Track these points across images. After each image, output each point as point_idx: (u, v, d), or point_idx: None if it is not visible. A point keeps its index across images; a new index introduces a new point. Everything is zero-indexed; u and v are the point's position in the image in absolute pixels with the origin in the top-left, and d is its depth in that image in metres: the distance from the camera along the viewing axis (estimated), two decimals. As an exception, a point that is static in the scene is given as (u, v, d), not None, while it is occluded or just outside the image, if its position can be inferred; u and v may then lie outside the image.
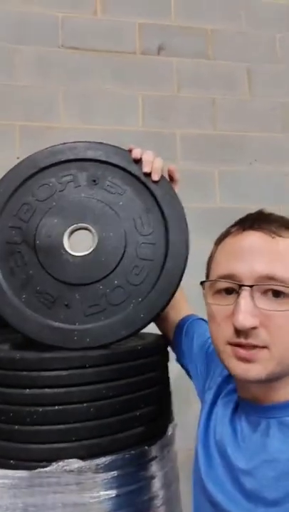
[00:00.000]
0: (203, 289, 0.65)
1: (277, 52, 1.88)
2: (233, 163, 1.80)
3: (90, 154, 0.90)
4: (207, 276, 0.67)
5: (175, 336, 0.91)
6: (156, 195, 0.87)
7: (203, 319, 0.90)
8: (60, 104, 1.70)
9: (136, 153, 0.88)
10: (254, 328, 0.57)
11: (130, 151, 0.89)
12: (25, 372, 0.76)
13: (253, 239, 0.60)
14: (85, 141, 0.91)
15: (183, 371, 0.95)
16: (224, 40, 1.84)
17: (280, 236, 0.60)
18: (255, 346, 0.58)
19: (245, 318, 0.56)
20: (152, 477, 0.81)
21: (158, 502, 0.82)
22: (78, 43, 1.74)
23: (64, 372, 0.76)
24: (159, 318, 0.94)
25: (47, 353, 0.78)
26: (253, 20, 1.87)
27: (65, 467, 0.73)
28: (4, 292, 0.82)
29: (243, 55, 1.85)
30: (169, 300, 0.84)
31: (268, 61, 1.86)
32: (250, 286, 0.58)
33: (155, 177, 0.87)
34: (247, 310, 0.57)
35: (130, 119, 1.74)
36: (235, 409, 0.68)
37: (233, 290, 0.60)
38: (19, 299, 0.82)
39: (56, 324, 0.82)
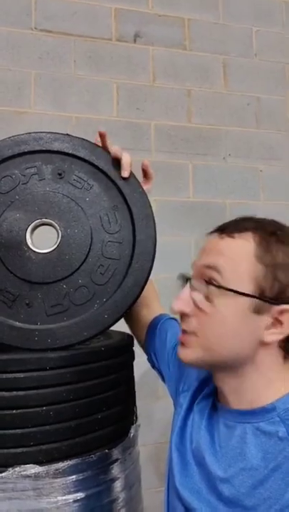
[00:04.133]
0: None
1: (253, 46, 1.86)
2: (207, 156, 1.78)
3: (57, 146, 0.86)
4: None
5: (147, 336, 0.90)
6: (125, 192, 0.84)
7: (175, 319, 0.89)
8: (32, 89, 1.64)
9: (106, 149, 0.86)
10: (187, 315, 0.64)
11: (108, 149, 0.86)
12: (-19, 374, 0.73)
13: (210, 240, 0.66)
14: (52, 132, 0.86)
15: (150, 365, 0.94)
16: (201, 31, 1.81)
17: (231, 237, 0.63)
18: (186, 332, 0.64)
19: (176, 303, 0.64)
20: (113, 480, 0.80)
21: (119, 504, 0.81)
22: (52, 25, 1.67)
23: (22, 375, 0.73)
24: (131, 318, 0.93)
25: (5, 354, 0.75)
26: (231, 13, 1.84)
27: (22, 472, 0.70)
28: None
29: (220, 47, 1.82)
30: (135, 301, 0.82)
31: (244, 55, 1.84)
32: (193, 277, 0.65)
33: (125, 174, 0.84)
34: (181, 297, 0.64)
35: (104, 107, 1.70)
36: (212, 414, 0.68)
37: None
38: None
39: (16, 324, 0.78)
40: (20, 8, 1.64)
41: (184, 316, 0.65)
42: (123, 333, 0.95)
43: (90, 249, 0.82)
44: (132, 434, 0.86)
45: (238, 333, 0.60)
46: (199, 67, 1.80)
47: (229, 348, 0.61)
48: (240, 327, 0.60)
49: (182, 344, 0.65)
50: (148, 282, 0.84)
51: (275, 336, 0.59)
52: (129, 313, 0.90)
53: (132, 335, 0.95)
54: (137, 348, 0.95)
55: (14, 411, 0.72)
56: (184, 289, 0.65)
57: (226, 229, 0.64)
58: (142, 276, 0.81)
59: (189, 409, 0.72)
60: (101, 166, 0.85)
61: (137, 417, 0.91)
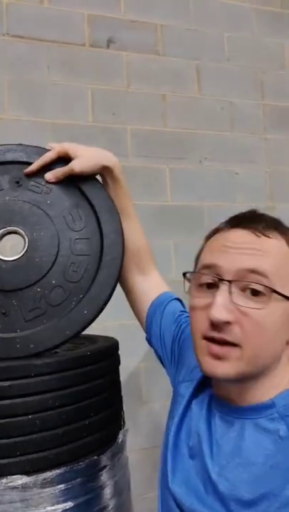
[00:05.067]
0: (188, 281, 0.65)
1: (225, 51, 1.89)
2: (183, 160, 1.79)
3: (10, 157, 0.87)
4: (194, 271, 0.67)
5: (148, 316, 0.86)
6: (84, 189, 0.85)
7: (178, 299, 0.87)
8: (5, 95, 1.62)
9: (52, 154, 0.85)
10: (228, 323, 0.57)
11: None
12: None
13: (239, 235, 0.61)
14: (2, 144, 0.88)
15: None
16: (174, 36, 1.83)
17: (266, 236, 0.60)
18: (227, 342, 0.58)
19: (219, 311, 0.57)
20: (102, 487, 0.79)
21: (109, 511, 0.79)
22: (24, 31, 1.66)
23: (6, 383, 0.71)
24: (127, 288, 0.89)
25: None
26: (203, 18, 1.87)
27: (9, 484, 0.68)
28: None
29: (193, 52, 1.84)
30: (111, 293, 0.82)
31: (216, 60, 1.87)
32: (229, 282, 0.58)
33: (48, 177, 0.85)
34: (222, 304, 0.57)
35: (79, 112, 1.69)
36: (211, 407, 0.67)
37: (214, 285, 0.60)
38: None
39: None
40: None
41: (222, 325, 0.57)
42: (108, 338, 0.94)
43: (58, 249, 0.82)
44: (120, 440, 0.85)
45: (280, 338, 0.59)
46: (173, 72, 1.82)
47: (272, 355, 0.60)
48: (282, 331, 0.59)
49: (218, 358, 0.58)
50: (141, 243, 0.86)
51: None
52: (125, 283, 0.88)
53: (131, 308, 0.91)
54: (122, 352, 0.94)
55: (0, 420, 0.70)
56: (222, 294, 0.58)
57: (256, 226, 0.61)
58: (114, 268, 0.82)
59: (191, 400, 0.71)
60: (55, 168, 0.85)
61: (124, 422, 0.90)
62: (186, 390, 0.72)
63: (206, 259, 0.63)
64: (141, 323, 0.89)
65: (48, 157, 0.85)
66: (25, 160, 0.86)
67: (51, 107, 1.65)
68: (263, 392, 0.61)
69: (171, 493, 0.65)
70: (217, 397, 0.67)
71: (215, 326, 0.58)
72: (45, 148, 0.87)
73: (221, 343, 0.58)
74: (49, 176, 0.84)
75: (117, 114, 1.73)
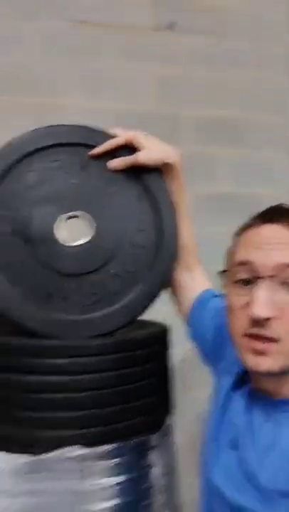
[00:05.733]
0: (222, 279, 0.66)
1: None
2: (241, 146, 1.76)
3: (79, 139, 0.86)
4: (226, 267, 0.67)
5: (191, 312, 0.89)
6: (146, 181, 0.86)
7: (220, 296, 0.88)
8: (68, 82, 1.65)
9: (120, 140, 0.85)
10: (268, 319, 0.58)
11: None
12: (28, 359, 0.76)
13: (272, 230, 0.62)
14: (72, 125, 0.87)
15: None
16: (237, 19, 1.77)
17: None
18: (267, 338, 0.59)
19: (260, 308, 0.58)
20: (152, 466, 0.82)
21: (157, 490, 0.83)
22: (88, 17, 1.67)
23: (66, 361, 0.76)
24: (172, 283, 0.91)
25: (48, 340, 0.78)
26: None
27: (68, 454, 0.73)
28: None
29: (255, 35, 1.78)
30: (166, 285, 0.85)
31: (278, 43, 1.80)
32: (267, 278, 0.59)
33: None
34: (263, 300, 0.58)
35: (141, 98, 1.69)
36: (250, 400, 0.68)
37: (250, 281, 0.61)
38: (15, 292, 0.79)
39: (56, 316, 0.80)
40: (57, 1, 1.65)
41: (263, 321, 0.59)
42: (160, 324, 0.97)
43: (119, 239, 0.83)
44: (168, 423, 0.88)
45: None
46: (234, 54, 1.77)
47: None
48: None
49: (261, 353, 0.60)
50: (189, 243, 0.88)
51: None
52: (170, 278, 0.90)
53: (174, 304, 0.93)
54: (173, 338, 0.96)
55: (59, 395, 0.75)
56: (262, 290, 0.59)
57: (284, 219, 0.62)
58: (169, 262, 0.85)
59: (231, 392, 0.72)
60: (120, 156, 0.85)
61: (173, 407, 0.93)
62: (227, 382, 0.74)
63: (241, 255, 0.63)
64: (183, 318, 0.91)
65: (114, 142, 0.84)
66: (92, 143, 0.85)
67: (110, 93, 1.67)
68: None
69: (211, 483, 0.67)
70: (256, 390, 0.68)
71: (255, 322, 0.59)
72: (110, 133, 0.86)
73: (261, 339, 0.59)
74: (113, 163, 0.84)
75: (177, 99, 1.72)
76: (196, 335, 0.88)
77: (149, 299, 0.84)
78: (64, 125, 0.87)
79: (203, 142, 1.73)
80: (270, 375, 0.61)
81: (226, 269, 0.67)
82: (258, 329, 0.59)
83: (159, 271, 0.84)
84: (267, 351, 0.59)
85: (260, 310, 0.58)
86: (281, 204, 0.66)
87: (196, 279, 0.90)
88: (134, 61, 1.70)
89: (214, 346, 0.83)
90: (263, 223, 0.63)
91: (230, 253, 0.68)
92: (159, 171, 0.86)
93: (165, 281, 0.85)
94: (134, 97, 1.68)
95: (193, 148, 1.71)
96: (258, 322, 0.59)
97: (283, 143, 1.79)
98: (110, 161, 0.85)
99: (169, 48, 1.73)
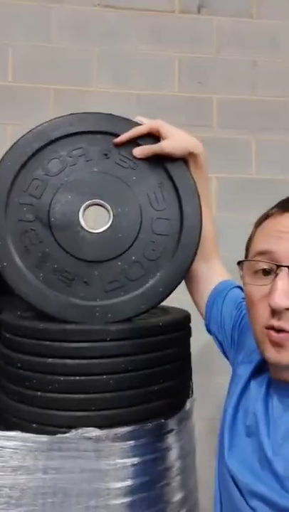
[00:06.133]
0: (241, 269, 0.65)
1: None
2: (272, 131, 1.71)
3: (101, 126, 0.86)
4: (246, 258, 0.66)
5: (208, 303, 0.89)
6: (169, 169, 0.85)
7: (239, 287, 0.87)
8: (95, 67, 1.66)
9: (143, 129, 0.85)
10: (288, 309, 0.57)
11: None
12: (48, 342, 0.78)
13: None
14: (94, 112, 0.87)
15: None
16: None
17: None
18: (285, 331, 0.58)
19: (280, 297, 0.57)
20: (168, 449, 0.84)
21: (173, 472, 0.84)
22: (115, 1, 1.66)
23: (85, 344, 0.78)
24: (189, 275, 0.91)
25: (69, 324, 0.80)
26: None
27: (84, 434, 0.76)
28: (21, 271, 0.82)
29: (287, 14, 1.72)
30: (186, 273, 0.85)
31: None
32: (282, 267, 0.57)
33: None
34: (284, 290, 0.57)
35: (166, 82, 1.68)
36: (269, 388, 0.68)
37: (270, 271, 0.60)
38: (37, 277, 0.82)
39: (77, 301, 0.82)
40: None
41: (283, 311, 0.58)
42: (181, 310, 0.97)
43: (140, 226, 0.84)
44: (187, 407, 0.89)
45: None
46: (265, 36, 1.71)
47: None
48: None
49: (279, 345, 0.59)
50: (209, 234, 0.87)
51: None
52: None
53: (191, 294, 0.93)
54: (195, 325, 0.96)
55: (77, 377, 0.77)
56: (282, 280, 0.58)
57: None
58: (190, 251, 0.85)
59: (249, 381, 0.72)
60: (143, 144, 0.85)
61: (192, 391, 0.94)
62: (245, 371, 0.73)
63: (260, 245, 0.62)
64: (199, 309, 0.91)
65: (138, 131, 0.84)
66: (114, 132, 0.86)
67: (137, 78, 1.66)
68: None
69: (227, 469, 0.67)
70: (275, 380, 0.67)
71: (275, 312, 0.58)
72: (133, 121, 0.87)
73: (279, 331, 0.59)
74: (138, 151, 0.85)
75: (204, 82, 1.69)
76: (213, 326, 0.88)
77: (169, 286, 0.84)
78: (87, 113, 0.87)
79: (230, 126, 1.70)
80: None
81: (245, 259, 0.66)
82: (277, 320, 0.58)
83: (181, 259, 0.84)
84: (285, 343, 0.59)
85: (280, 299, 0.57)
86: None
87: (214, 270, 0.90)
88: (160, 44, 1.67)
89: (232, 338, 0.83)
90: (283, 212, 0.62)
91: (250, 243, 0.67)
92: (183, 160, 0.86)
93: (186, 269, 0.85)
94: (159, 82, 1.66)
95: (220, 133, 1.69)
96: (278, 312, 0.58)
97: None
98: (135, 149, 0.85)
99: (197, 30, 1.69)
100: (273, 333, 0.59)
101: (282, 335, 0.58)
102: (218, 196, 1.66)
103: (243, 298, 0.84)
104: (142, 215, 0.84)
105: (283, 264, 0.58)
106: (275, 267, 0.59)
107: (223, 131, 1.69)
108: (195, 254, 0.85)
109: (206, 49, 1.70)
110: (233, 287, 0.88)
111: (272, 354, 0.60)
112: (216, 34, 1.70)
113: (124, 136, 0.85)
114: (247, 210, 1.75)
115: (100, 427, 0.76)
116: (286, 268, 0.57)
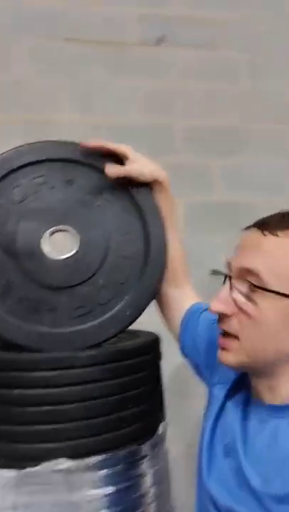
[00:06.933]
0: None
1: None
2: (233, 155, 1.78)
3: (63, 154, 0.87)
4: None
5: (183, 325, 0.89)
6: (133, 193, 0.87)
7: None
8: (60, 97, 1.69)
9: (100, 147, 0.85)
10: (227, 316, 0.63)
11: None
12: (13, 373, 0.77)
13: (249, 235, 0.64)
14: (57, 141, 0.88)
15: (180, 365, 0.94)
16: (227, 31, 1.80)
17: (274, 235, 0.61)
18: (227, 334, 0.64)
19: (216, 304, 0.63)
20: (143, 475, 0.82)
21: (148, 499, 0.83)
22: (79, 34, 1.71)
23: (53, 373, 0.76)
24: (161, 300, 0.91)
25: (36, 354, 0.79)
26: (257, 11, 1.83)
27: (54, 467, 0.73)
28: None
29: (246, 46, 1.81)
30: (155, 295, 0.86)
31: (271, 52, 1.82)
32: (234, 278, 0.63)
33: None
34: (220, 297, 0.63)
35: (130, 111, 1.72)
36: (246, 408, 0.69)
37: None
38: (1, 307, 0.80)
39: (43, 329, 0.81)
40: (48, 18, 1.69)
41: (223, 316, 0.63)
42: (150, 333, 0.97)
43: (106, 250, 0.84)
44: (160, 432, 0.88)
45: (281, 335, 0.60)
46: (224, 66, 1.80)
47: (272, 351, 0.61)
48: (284, 329, 0.60)
49: (223, 348, 0.65)
50: (177, 255, 0.89)
51: None
52: (158, 296, 0.90)
53: (164, 319, 0.93)
54: (167, 348, 0.96)
55: (45, 407, 0.75)
56: (223, 288, 0.63)
57: (268, 225, 0.62)
58: (158, 272, 0.86)
59: (225, 401, 0.72)
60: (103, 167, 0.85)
61: (165, 415, 0.93)
62: (220, 391, 0.74)
63: (227, 258, 0.68)
64: (173, 333, 0.91)
65: (107, 145, 0.85)
66: (75, 158, 0.86)
67: (102, 107, 1.70)
68: None
69: (206, 491, 0.67)
70: (251, 396, 0.68)
71: (219, 318, 0.64)
72: (90, 145, 0.86)
73: (223, 335, 0.64)
74: (110, 169, 0.84)
75: (167, 110, 1.75)
76: (187, 349, 0.88)
77: (137, 309, 0.85)
78: (48, 141, 0.88)
79: (194, 152, 1.75)
80: (234, 369, 0.67)
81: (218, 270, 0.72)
82: (221, 324, 0.64)
83: (148, 281, 0.85)
84: (226, 346, 0.64)
85: (215, 305, 0.63)
86: (279, 211, 0.66)
87: (185, 293, 0.91)
88: (124, 76, 1.73)
89: (207, 358, 0.83)
90: (251, 228, 0.65)
91: None
92: (146, 184, 0.87)
93: (154, 291, 0.86)
94: (125, 112, 1.71)
95: (187, 160, 1.74)
96: (221, 317, 0.64)
97: (276, 152, 1.81)
98: (108, 167, 0.84)
99: (158, 61, 1.76)
100: (220, 337, 0.65)
101: (225, 339, 0.64)
102: (186, 220, 1.70)
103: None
104: (107, 240, 0.85)
105: (231, 275, 0.64)
106: (227, 278, 0.65)
107: (187, 156, 1.74)
108: (162, 274, 0.86)
109: (169, 79, 1.76)
110: (205, 309, 0.88)
111: (219, 355, 0.66)
112: (177, 65, 1.77)
113: (91, 144, 0.85)
114: (214, 232, 1.81)
115: (71, 457, 0.74)
116: (229, 278, 0.63)
